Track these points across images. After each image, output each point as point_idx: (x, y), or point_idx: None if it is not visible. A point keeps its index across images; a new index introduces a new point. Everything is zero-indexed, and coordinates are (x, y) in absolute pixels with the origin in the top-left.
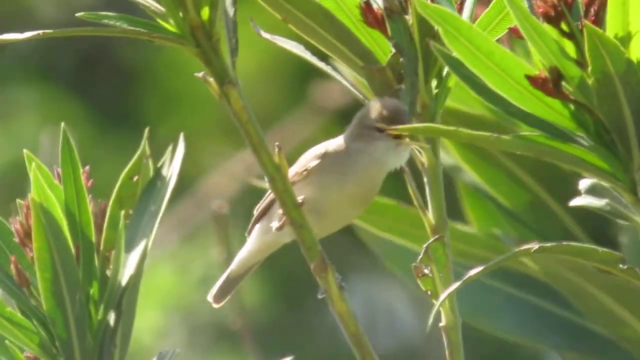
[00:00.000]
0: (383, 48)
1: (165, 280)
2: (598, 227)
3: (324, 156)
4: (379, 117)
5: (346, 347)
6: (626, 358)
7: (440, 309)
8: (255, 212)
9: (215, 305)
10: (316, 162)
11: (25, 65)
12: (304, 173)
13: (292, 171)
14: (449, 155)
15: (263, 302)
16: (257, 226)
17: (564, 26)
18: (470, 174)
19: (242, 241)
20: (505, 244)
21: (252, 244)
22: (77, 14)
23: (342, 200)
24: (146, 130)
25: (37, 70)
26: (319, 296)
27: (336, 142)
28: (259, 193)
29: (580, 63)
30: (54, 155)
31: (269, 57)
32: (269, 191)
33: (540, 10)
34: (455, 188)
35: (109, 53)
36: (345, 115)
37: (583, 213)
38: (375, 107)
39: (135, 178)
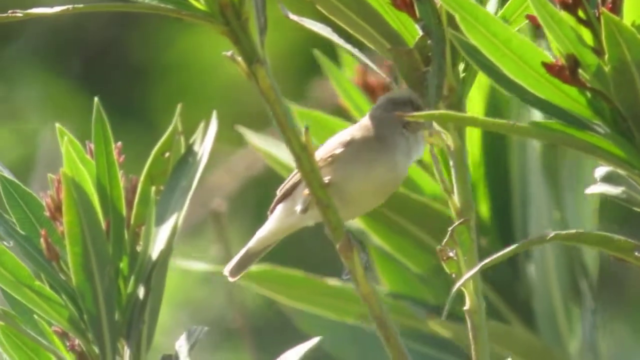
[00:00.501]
0: (411, 30)
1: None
2: (508, 286)
3: (350, 144)
4: (398, 106)
5: None
6: None
7: (465, 292)
8: (278, 193)
9: (230, 279)
10: (341, 149)
11: (33, 60)
12: (329, 159)
13: (317, 156)
14: (355, 222)
15: (265, 301)
16: (280, 206)
17: (581, 14)
18: (378, 240)
19: (242, 239)
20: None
21: (274, 223)
22: None
23: (365, 189)
24: (178, 107)
25: (45, 65)
26: (344, 277)
27: (362, 129)
28: (260, 191)
29: (597, 51)
30: (57, 151)
31: (291, 39)
32: (293, 173)
33: None
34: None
35: (118, 48)
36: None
37: (493, 274)
38: (393, 97)
39: (167, 154)
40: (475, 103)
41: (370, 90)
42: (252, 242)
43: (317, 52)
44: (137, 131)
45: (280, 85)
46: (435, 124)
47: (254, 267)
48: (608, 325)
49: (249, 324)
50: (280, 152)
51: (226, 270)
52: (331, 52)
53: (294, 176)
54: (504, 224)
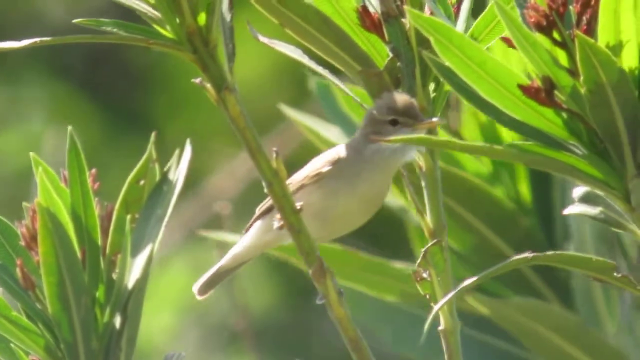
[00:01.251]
0: (380, 52)
1: (172, 280)
2: (548, 268)
3: (337, 162)
4: (392, 111)
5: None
6: None
7: (440, 313)
8: (258, 211)
9: (198, 297)
10: (328, 167)
11: (34, 66)
12: (315, 177)
13: (303, 174)
14: (396, 198)
15: (270, 303)
16: (258, 223)
17: (556, 35)
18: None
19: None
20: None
21: (250, 240)
22: (75, 21)
23: (351, 206)
24: (152, 135)
25: (46, 70)
26: (318, 302)
27: (349, 147)
28: (263, 194)
29: (573, 72)
30: (60, 155)
31: (267, 61)
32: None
33: (532, 19)
34: (405, 228)
35: (118, 54)
36: None
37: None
38: (386, 102)
39: (142, 182)
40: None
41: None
42: (225, 259)
43: (305, 63)
44: (140, 137)
45: (255, 111)
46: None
47: (291, 242)
48: None
49: (254, 327)
50: (322, 128)
51: (195, 287)
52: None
53: (268, 200)
54: (544, 205)
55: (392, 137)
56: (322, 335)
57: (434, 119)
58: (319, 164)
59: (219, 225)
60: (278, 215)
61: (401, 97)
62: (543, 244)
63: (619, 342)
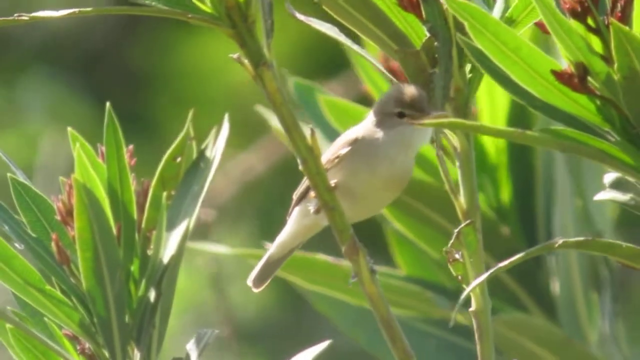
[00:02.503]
0: (417, 32)
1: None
2: (528, 273)
3: (355, 142)
4: (399, 103)
5: (345, 352)
6: None
7: (471, 294)
8: (294, 197)
9: (255, 290)
10: (347, 148)
11: (33, 67)
12: (335, 160)
13: (324, 158)
14: None
15: (269, 304)
16: (296, 209)
17: (590, 22)
18: (399, 227)
19: (238, 243)
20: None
21: (292, 227)
22: None
23: (374, 185)
24: (190, 112)
25: (45, 71)
26: (351, 280)
27: (366, 128)
28: (257, 196)
29: (607, 59)
30: (57, 157)
31: (303, 38)
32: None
33: (567, 5)
34: (384, 234)
35: (123, 53)
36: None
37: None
38: (394, 94)
39: (179, 159)
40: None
41: (394, 75)
42: (272, 249)
43: (342, 41)
44: (143, 137)
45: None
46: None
47: None
48: (629, 315)
49: (241, 332)
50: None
51: (249, 280)
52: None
53: (307, 179)
54: (526, 211)
55: (425, 121)
56: (322, 335)
57: (438, 113)
58: (337, 145)
59: (204, 232)
60: (312, 199)
61: (409, 90)
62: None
63: (601, 352)
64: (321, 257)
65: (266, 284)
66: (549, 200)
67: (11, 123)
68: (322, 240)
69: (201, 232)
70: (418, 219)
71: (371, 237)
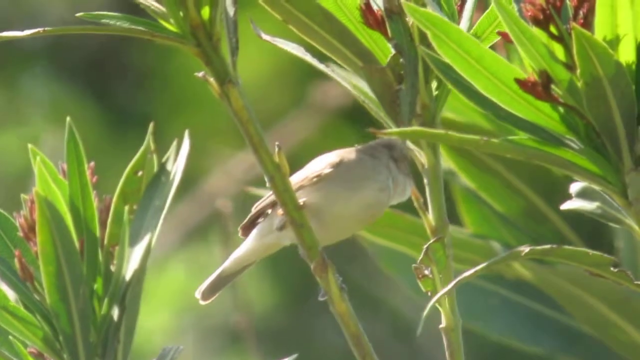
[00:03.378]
0: (383, 49)
1: (172, 280)
2: (592, 231)
3: (339, 166)
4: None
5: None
6: None
7: (441, 310)
8: (254, 209)
9: (202, 302)
10: (329, 170)
11: (35, 65)
12: (314, 179)
13: (302, 175)
14: (443, 161)
15: (271, 304)
16: (257, 227)
17: (552, 29)
18: (465, 180)
19: (237, 243)
20: (498, 250)
21: (251, 243)
22: (78, 14)
23: (347, 214)
24: (151, 125)
25: (47, 70)
26: (320, 298)
27: (352, 154)
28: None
29: (570, 66)
30: (59, 156)
31: (269, 58)
32: (269, 192)
33: (529, 13)
34: (451, 191)
35: (119, 53)
36: (344, 115)
37: (577, 218)
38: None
39: (140, 173)
40: None
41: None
42: (227, 263)
43: (308, 60)
44: (139, 137)
45: (256, 107)
46: (408, 142)
47: (291, 243)
48: None
49: (254, 327)
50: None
51: (197, 292)
52: None
53: (269, 196)
54: None
55: (388, 131)
56: (323, 335)
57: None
58: (320, 165)
59: (220, 224)
60: (279, 213)
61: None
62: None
63: None
64: (403, 214)
65: (215, 297)
66: None
67: (11, 123)
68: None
69: (216, 224)
70: (486, 172)
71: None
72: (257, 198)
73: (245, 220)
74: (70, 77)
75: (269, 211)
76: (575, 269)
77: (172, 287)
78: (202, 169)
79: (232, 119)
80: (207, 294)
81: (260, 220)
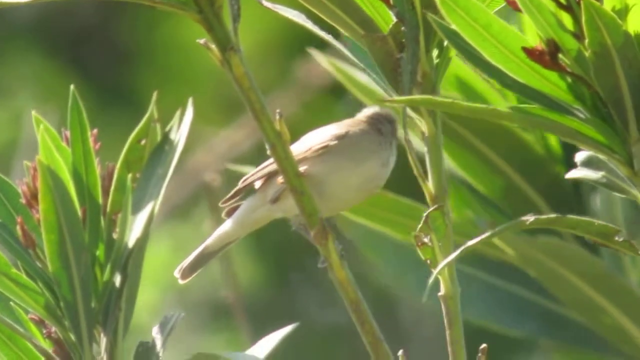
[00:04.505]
0: (384, 17)
1: (157, 255)
2: (572, 212)
3: (344, 137)
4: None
5: (339, 323)
6: (603, 345)
7: (440, 278)
8: (241, 183)
9: (181, 281)
10: (336, 141)
11: (23, 42)
12: (320, 150)
13: (306, 145)
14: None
15: (257, 279)
16: (246, 201)
17: None
18: (446, 159)
19: (221, 220)
20: (480, 229)
21: (238, 219)
22: None
23: (350, 186)
24: (154, 94)
25: (35, 46)
26: (320, 265)
27: (356, 126)
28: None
29: (578, 35)
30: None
31: (255, 34)
32: (257, 168)
33: None
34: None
35: (106, 30)
36: (328, 91)
37: (558, 198)
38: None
39: (143, 141)
40: None
41: None
42: (210, 240)
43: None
44: (129, 112)
45: (263, 71)
46: (409, 110)
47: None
48: None
49: (242, 302)
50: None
51: (177, 271)
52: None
53: (260, 169)
54: (573, 152)
55: (396, 98)
56: (308, 309)
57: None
58: (325, 136)
59: (208, 198)
60: (278, 182)
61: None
62: (570, 192)
63: None
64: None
65: (194, 275)
66: None
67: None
68: None
69: (206, 198)
70: (466, 149)
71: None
72: (240, 175)
73: (230, 194)
74: (55, 52)
75: (257, 185)
76: (559, 244)
77: (157, 263)
78: (186, 145)
79: (226, 94)
80: (187, 272)
81: (243, 196)
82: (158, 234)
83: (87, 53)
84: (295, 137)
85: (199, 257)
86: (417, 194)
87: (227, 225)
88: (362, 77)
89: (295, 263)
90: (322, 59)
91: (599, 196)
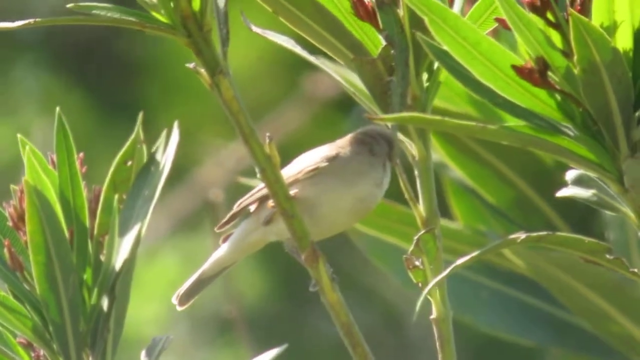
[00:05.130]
0: (374, 41)
1: (163, 270)
2: (583, 222)
3: (335, 159)
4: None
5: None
6: (611, 353)
7: (432, 301)
8: (237, 207)
9: (179, 308)
10: (325, 164)
11: (25, 56)
12: (311, 172)
13: (297, 168)
14: (434, 152)
15: (262, 295)
16: (240, 225)
17: (550, 16)
18: (456, 171)
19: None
20: (491, 240)
21: (234, 243)
22: (69, 5)
23: (342, 208)
24: (140, 115)
25: (37, 60)
26: (311, 289)
27: (347, 147)
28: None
29: (567, 53)
30: (49, 146)
31: (260, 49)
32: (253, 189)
33: (526, 0)
34: (441, 184)
35: (109, 44)
36: (335, 105)
37: (568, 208)
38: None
39: (129, 163)
40: None
41: None
42: (206, 265)
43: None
44: (131, 127)
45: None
46: (399, 134)
47: (275, 240)
48: None
49: (245, 316)
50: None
51: (175, 297)
52: None
53: (254, 193)
54: None
55: (385, 116)
56: (314, 324)
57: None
58: (315, 158)
59: (211, 214)
60: (269, 205)
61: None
62: (579, 202)
63: None
64: (394, 204)
65: (191, 302)
66: None
67: (1, 113)
68: None
69: (209, 214)
70: (477, 163)
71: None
72: (249, 188)
73: (226, 219)
74: (60, 67)
75: (252, 208)
76: (569, 256)
77: (163, 277)
78: (191, 160)
79: (223, 110)
80: (185, 298)
81: (239, 220)
82: (165, 248)
83: (91, 68)
84: (300, 152)
85: (196, 282)
86: None
87: (223, 250)
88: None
89: (302, 277)
90: (331, 69)
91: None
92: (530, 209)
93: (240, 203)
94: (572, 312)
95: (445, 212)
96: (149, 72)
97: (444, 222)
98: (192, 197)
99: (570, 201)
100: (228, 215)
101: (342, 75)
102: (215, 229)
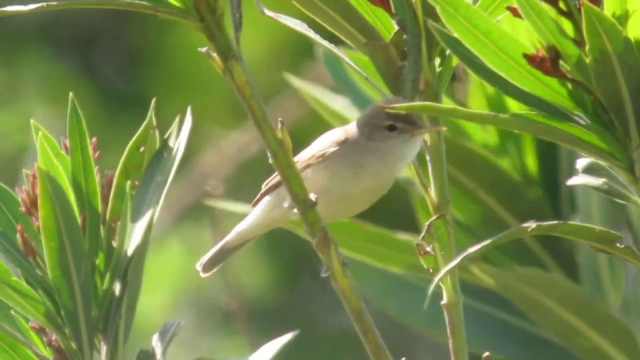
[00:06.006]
0: (386, 25)
1: (165, 259)
2: (553, 240)
3: (344, 143)
4: (390, 116)
5: (349, 328)
6: None
7: (442, 286)
8: (264, 187)
9: (202, 274)
10: (335, 148)
11: (32, 45)
12: (321, 158)
13: (309, 153)
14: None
15: (267, 283)
16: (265, 199)
17: (562, 5)
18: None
19: (234, 222)
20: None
21: (257, 216)
22: None
23: (354, 191)
24: (153, 101)
25: (43, 49)
26: (322, 274)
27: (354, 133)
28: (252, 175)
29: (578, 42)
30: (53, 133)
31: (272, 34)
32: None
33: None
34: (410, 201)
35: (116, 32)
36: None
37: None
38: (381, 109)
39: (142, 149)
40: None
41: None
42: (230, 236)
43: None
44: (140, 115)
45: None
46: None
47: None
48: None
49: (246, 307)
50: (328, 98)
51: (199, 264)
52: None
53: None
54: (550, 176)
55: (397, 105)
56: (317, 315)
57: (432, 126)
58: (325, 143)
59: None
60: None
61: (398, 101)
62: (549, 216)
63: (623, 315)
64: (366, 224)
65: (215, 270)
66: (572, 163)
67: (7, 102)
68: None
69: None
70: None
71: (399, 203)
72: (253, 175)
73: (257, 197)
74: (65, 55)
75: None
76: (536, 273)
77: (166, 267)
78: (193, 150)
79: (234, 95)
80: (208, 266)
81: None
82: (168, 237)
83: (97, 57)
84: (309, 140)
85: (219, 252)
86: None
87: (246, 223)
88: (338, 104)
89: (306, 268)
90: (299, 85)
91: (579, 219)
92: (499, 225)
93: (267, 183)
94: (541, 326)
95: (415, 228)
96: (153, 61)
97: (411, 237)
98: (194, 186)
99: (538, 215)
100: (258, 195)
101: (354, 57)
102: (250, 207)
